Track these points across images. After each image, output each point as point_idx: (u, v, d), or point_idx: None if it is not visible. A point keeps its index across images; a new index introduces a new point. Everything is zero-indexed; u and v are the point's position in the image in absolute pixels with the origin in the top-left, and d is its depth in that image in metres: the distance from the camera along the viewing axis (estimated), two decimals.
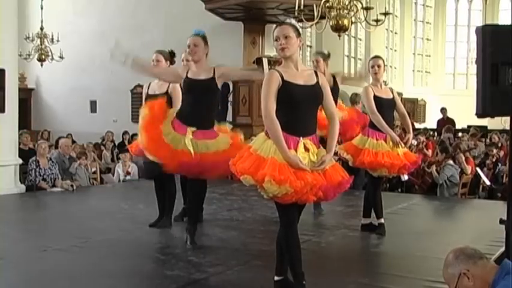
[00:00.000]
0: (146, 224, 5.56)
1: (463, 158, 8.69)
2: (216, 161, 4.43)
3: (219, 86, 4.75)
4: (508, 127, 4.22)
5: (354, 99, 7.97)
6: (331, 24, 9.43)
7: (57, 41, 14.90)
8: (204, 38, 4.73)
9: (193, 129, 4.51)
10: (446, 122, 14.28)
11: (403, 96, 18.55)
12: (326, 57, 6.10)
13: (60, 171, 8.37)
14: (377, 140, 5.19)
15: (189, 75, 4.68)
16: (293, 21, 3.50)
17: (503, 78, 3.17)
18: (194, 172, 4.55)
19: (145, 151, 4.55)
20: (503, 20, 21.85)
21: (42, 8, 14.84)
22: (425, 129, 14.82)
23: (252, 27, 13.32)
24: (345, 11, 9.24)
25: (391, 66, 21.54)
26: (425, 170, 8.80)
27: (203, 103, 4.64)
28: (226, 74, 4.85)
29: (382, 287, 3.83)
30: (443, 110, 15.40)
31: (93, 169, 9.52)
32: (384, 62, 5.34)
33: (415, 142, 9.77)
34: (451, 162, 8.51)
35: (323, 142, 3.51)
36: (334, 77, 6.00)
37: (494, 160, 9.45)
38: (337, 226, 5.72)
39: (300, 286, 3.38)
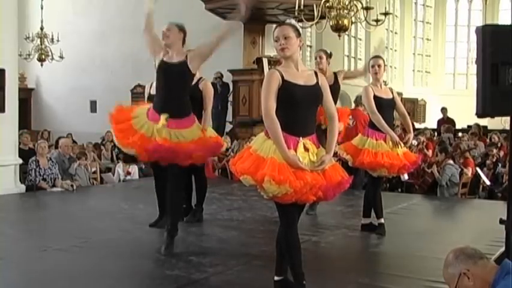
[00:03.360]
0: (146, 224, 5.56)
1: (462, 160, 8.70)
2: (190, 149, 4.41)
3: (196, 67, 4.62)
4: (508, 127, 4.23)
5: (359, 101, 7.97)
6: (331, 24, 9.44)
7: (57, 41, 14.91)
8: (178, 26, 4.66)
9: (166, 115, 4.40)
10: (446, 122, 14.27)
11: (403, 96, 18.54)
12: (328, 55, 6.09)
13: (60, 171, 8.37)
14: (376, 140, 5.19)
15: (164, 59, 4.60)
16: (293, 21, 3.49)
17: (503, 78, 3.17)
18: (167, 158, 4.42)
19: (117, 144, 4.56)
20: (503, 20, 21.85)
21: (42, 8, 14.86)
22: (426, 129, 14.81)
23: (252, 27, 13.31)
24: (345, 11, 9.25)
25: (391, 66, 21.53)
26: (426, 170, 8.79)
27: (176, 88, 4.54)
28: (199, 52, 4.63)
29: (382, 287, 3.84)
30: (443, 110, 15.40)
31: (93, 169, 9.52)
32: (384, 61, 5.33)
33: (415, 142, 9.76)
34: (451, 162, 8.51)
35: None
36: (335, 75, 5.98)
37: (494, 160, 9.44)
38: (337, 226, 5.72)
39: (300, 286, 3.38)
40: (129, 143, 4.38)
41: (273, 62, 10.73)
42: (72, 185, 8.12)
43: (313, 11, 9.33)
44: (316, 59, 6.00)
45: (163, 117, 4.37)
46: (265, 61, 11.25)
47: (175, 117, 4.43)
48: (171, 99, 4.49)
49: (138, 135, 4.37)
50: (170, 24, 4.62)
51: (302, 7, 9.07)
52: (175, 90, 4.52)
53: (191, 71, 4.54)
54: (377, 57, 5.37)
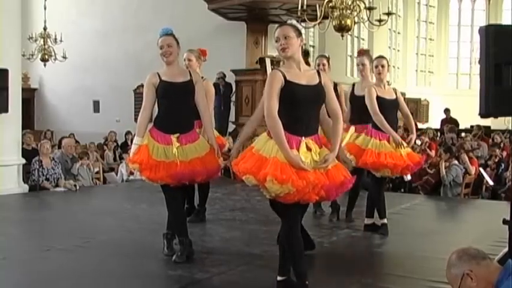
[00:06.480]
0: (149, 224, 5.57)
1: (467, 158, 8.67)
2: (205, 162, 4.27)
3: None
4: (511, 127, 4.22)
5: None
6: (334, 24, 9.41)
7: (60, 41, 14.92)
8: (175, 38, 4.35)
9: (177, 135, 4.23)
10: (449, 122, 14.27)
11: (406, 96, 18.44)
12: (328, 59, 6.01)
13: (63, 171, 8.39)
14: (380, 140, 5.18)
15: (163, 78, 4.28)
16: (293, 21, 3.50)
17: (507, 78, 3.16)
18: (187, 179, 4.28)
19: (146, 179, 4.24)
20: (506, 20, 21.77)
21: (45, 8, 14.85)
22: (429, 129, 14.80)
23: (255, 27, 13.33)
24: (348, 11, 9.22)
25: (394, 66, 21.47)
26: (428, 171, 8.78)
27: (184, 107, 4.32)
28: (205, 91, 4.55)
29: (385, 287, 3.83)
30: (446, 111, 15.41)
31: (96, 169, 9.53)
32: (388, 62, 5.31)
33: (419, 142, 9.75)
34: (456, 162, 8.49)
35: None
36: (335, 85, 5.85)
37: (496, 160, 9.43)
38: (340, 226, 5.71)
39: (303, 286, 3.38)
40: (158, 178, 4.16)
41: (276, 62, 10.72)
42: (75, 185, 8.14)
43: (316, 11, 9.32)
44: (318, 66, 5.83)
45: (174, 139, 4.21)
46: (268, 61, 11.25)
47: (184, 133, 4.29)
48: (181, 119, 4.30)
49: (161, 167, 4.14)
50: (169, 39, 4.29)
51: (305, 7, 9.05)
52: (184, 110, 4.31)
53: (195, 89, 4.37)
54: (381, 57, 5.36)
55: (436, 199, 8.14)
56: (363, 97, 5.29)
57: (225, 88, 12.64)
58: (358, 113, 5.52)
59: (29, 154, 8.59)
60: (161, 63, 4.40)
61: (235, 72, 12.62)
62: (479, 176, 8.83)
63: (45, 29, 15.04)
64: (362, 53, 5.88)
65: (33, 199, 7.64)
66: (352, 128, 5.59)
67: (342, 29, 9.39)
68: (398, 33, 22.46)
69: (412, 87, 22.21)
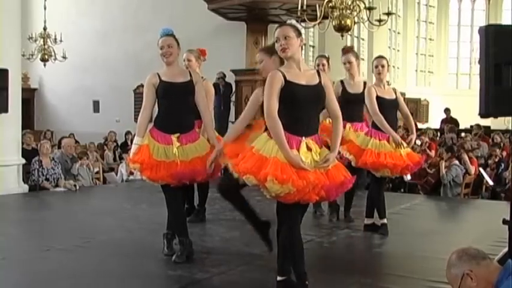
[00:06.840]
0: (149, 224, 5.57)
1: (467, 158, 8.68)
2: (205, 162, 4.24)
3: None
4: (511, 127, 4.22)
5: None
6: (333, 24, 9.41)
7: (60, 41, 14.92)
8: (176, 38, 4.36)
9: (177, 135, 4.25)
10: (449, 122, 14.27)
11: (406, 96, 18.47)
12: (327, 59, 6.01)
13: (63, 171, 8.39)
14: (380, 140, 5.18)
15: (163, 79, 4.29)
16: (293, 21, 3.50)
17: (507, 78, 3.16)
18: (187, 179, 4.29)
19: (147, 179, 4.25)
20: (506, 20, 21.77)
21: (45, 8, 14.86)
22: (429, 129, 14.80)
23: (254, 27, 13.32)
24: (348, 11, 9.21)
25: (393, 66, 21.46)
26: (428, 171, 8.78)
27: (184, 107, 4.33)
28: (205, 90, 4.57)
29: (385, 287, 3.83)
30: (447, 111, 15.41)
31: (96, 169, 9.53)
32: (387, 62, 5.31)
33: (418, 142, 9.75)
34: (456, 162, 8.48)
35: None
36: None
37: (496, 160, 9.43)
38: (339, 226, 5.71)
39: (303, 286, 3.38)
40: (159, 178, 4.18)
41: None
42: (75, 185, 8.14)
43: (315, 11, 9.32)
44: (318, 66, 5.82)
45: (175, 139, 4.23)
46: None
47: (184, 133, 4.30)
48: (181, 119, 4.31)
49: (162, 167, 4.16)
50: (170, 39, 4.30)
51: (305, 7, 9.05)
52: (184, 110, 4.32)
53: (195, 89, 4.37)
54: (381, 57, 5.36)
55: (436, 199, 8.14)
56: (360, 94, 5.30)
57: (225, 88, 12.65)
58: (358, 110, 5.53)
59: (29, 154, 8.59)
60: (161, 63, 4.40)
61: (235, 72, 12.62)
62: (479, 176, 8.83)
63: (45, 29, 15.04)
64: (347, 50, 5.78)
65: (33, 199, 7.64)
66: (349, 125, 5.58)
67: (342, 29, 9.38)
68: (398, 33, 22.46)
69: (412, 87, 22.20)
